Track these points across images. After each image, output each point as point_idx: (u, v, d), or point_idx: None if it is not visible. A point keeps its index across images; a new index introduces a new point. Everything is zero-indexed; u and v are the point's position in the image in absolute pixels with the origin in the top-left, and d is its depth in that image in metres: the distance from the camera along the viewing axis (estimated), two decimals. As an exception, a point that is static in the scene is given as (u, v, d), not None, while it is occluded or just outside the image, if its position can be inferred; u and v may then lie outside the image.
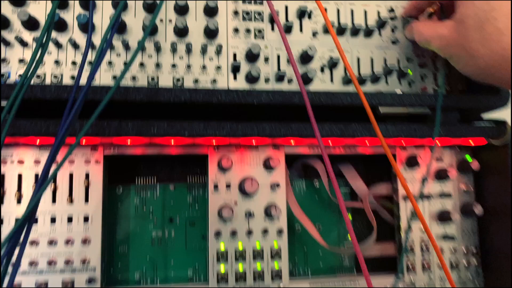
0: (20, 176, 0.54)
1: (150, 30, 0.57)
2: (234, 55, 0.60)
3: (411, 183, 0.64)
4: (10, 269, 0.39)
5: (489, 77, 0.53)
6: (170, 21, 0.59)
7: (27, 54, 0.55)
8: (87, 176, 0.56)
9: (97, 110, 0.43)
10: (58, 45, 0.55)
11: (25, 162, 0.54)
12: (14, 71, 0.54)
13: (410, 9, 0.63)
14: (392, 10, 0.65)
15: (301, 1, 0.62)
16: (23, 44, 0.54)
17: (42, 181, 0.39)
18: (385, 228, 0.69)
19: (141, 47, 0.47)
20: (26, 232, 0.38)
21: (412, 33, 0.61)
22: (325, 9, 0.63)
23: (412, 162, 0.63)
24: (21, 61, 0.54)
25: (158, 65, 0.57)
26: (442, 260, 0.54)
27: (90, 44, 0.46)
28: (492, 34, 0.49)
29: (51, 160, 0.40)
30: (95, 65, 0.45)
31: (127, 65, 0.46)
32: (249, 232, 0.59)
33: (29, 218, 0.38)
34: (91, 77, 0.45)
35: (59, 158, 0.55)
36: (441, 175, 0.64)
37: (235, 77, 0.59)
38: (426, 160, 0.63)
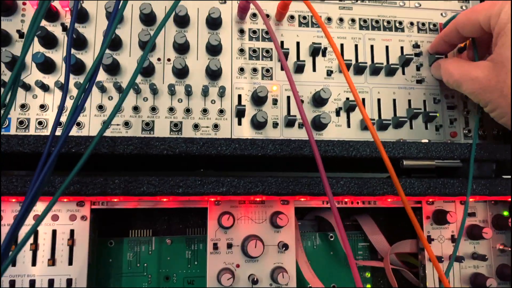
0: (-3, 233, 0.49)
1: (146, 70, 0.51)
2: (239, 98, 0.54)
3: (439, 242, 0.56)
4: None
5: None
6: (169, 60, 0.53)
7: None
8: (72, 233, 0.50)
9: (73, 172, 0.37)
10: (45, 88, 0.50)
11: (4, 218, 0.49)
12: (-5, 117, 0.49)
13: (438, 44, 0.56)
14: (417, 45, 0.58)
15: (315, 37, 0.56)
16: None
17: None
18: (409, 288, 0.61)
19: (131, 86, 0.41)
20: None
21: (440, 72, 0.54)
22: (341, 45, 0.57)
23: (440, 219, 0.55)
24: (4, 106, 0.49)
25: (154, 109, 0.52)
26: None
27: (67, 87, 0.40)
28: None
29: (13, 231, 0.34)
30: (74, 114, 0.39)
31: (113, 111, 0.40)
32: (253, 300, 0.52)
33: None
34: (68, 128, 0.38)
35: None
36: (474, 233, 0.56)
37: (239, 122, 0.53)
38: (457, 216, 0.55)
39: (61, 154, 0.44)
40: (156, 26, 0.53)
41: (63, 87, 0.40)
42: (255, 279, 0.51)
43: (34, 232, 0.34)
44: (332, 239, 0.62)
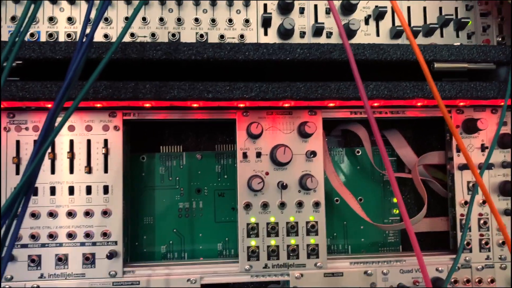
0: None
1: (170, -20, 0.51)
2: (265, 6, 0.53)
3: (469, 151, 0.56)
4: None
5: None
6: (192, -31, 0.52)
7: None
8: (105, 142, 0.51)
9: (98, 67, 0.37)
10: (71, 1, 0.50)
11: (40, 128, 0.50)
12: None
13: None
14: None
15: None
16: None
17: (37, 152, 0.35)
18: (435, 201, 0.62)
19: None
20: (24, 204, 0.35)
21: None
22: (370, -50, 0.54)
23: (470, 127, 0.55)
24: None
25: (179, 20, 0.51)
26: (507, 236, 0.47)
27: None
28: None
29: (47, 126, 0.35)
30: (97, 19, 0.39)
31: (133, 12, 0.39)
32: (282, 205, 0.53)
33: (26, 188, 0.34)
34: (91, 33, 0.39)
35: (77, 124, 0.51)
36: (504, 142, 0.55)
37: (265, 32, 0.53)
38: (488, 124, 0.54)
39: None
40: None
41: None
42: (284, 184, 0.52)
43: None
44: (358, 154, 0.62)
